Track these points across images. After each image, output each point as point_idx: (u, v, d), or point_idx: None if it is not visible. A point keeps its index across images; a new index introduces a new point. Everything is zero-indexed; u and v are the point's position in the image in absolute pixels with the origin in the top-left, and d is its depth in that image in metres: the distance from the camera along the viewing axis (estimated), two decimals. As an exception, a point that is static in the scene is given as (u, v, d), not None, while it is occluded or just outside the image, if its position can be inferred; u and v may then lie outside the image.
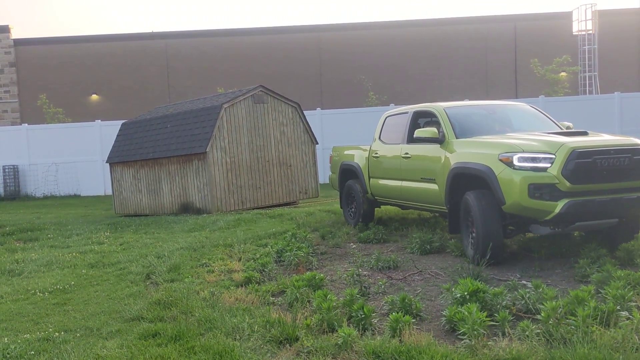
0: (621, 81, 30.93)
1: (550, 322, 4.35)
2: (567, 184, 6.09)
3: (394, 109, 9.80)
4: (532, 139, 6.69)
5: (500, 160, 6.47)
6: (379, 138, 9.57)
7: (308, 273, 6.43)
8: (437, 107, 8.32)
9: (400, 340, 4.49)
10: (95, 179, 21.82)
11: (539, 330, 4.34)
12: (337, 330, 4.74)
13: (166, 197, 13.98)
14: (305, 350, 4.46)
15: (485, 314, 4.54)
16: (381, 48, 31.31)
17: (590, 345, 4.01)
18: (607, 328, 4.25)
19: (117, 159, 15.34)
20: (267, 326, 4.95)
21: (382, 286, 6.07)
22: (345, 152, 10.62)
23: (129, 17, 77.26)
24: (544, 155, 6.25)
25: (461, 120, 7.90)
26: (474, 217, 6.66)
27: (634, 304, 4.78)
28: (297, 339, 4.69)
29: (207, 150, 12.64)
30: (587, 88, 30.50)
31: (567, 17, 31.99)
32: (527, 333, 4.29)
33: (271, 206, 13.63)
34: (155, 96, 30.62)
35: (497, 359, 3.97)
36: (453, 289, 5.31)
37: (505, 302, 4.97)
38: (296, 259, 7.32)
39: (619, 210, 6.37)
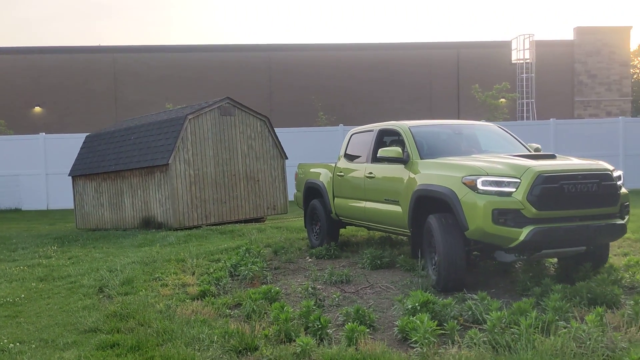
0: (557, 108, 32.46)
1: (495, 330, 4.65)
2: (533, 210, 5.87)
3: (360, 127, 9.46)
4: (497, 162, 6.45)
5: (464, 183, 6.23)
6: (344, 156, 9.25)
7: (264, 286, 6.58)
8: (402, 125, 8.06)
9: (356, 348, 4.70)
10: (38, 193, 21.23)
11: (485, 339, 4.62)
12: (295, 340, 4.91)
13: (128, 211, 13.57)
14: (265, 359, 4.61)
15: (435, 323, 4.81)
16: (331, 70, 31.90)
17: (532, 351, 4.32)
18: (547, 336, 4.57)
19: (80, 171, 14.90)
20: (226, 337, 5.07)
21: (336, 299, 6.26)
22: (311, 170, 10.24)
23: (77, 31, 75.82)
24: (508, 180, 6.02)
25: (427, 140, 7.69)
26: (437, 242, 6.43)
27: (571, 314, 5.16)
28: (256, 349, 4.84)
29: (169, 162, 12.20)
30: (525, 114, 31.86)
31: (506, 46, 33.44)
32: (474, 341, 4.57)
33: (237, 221, 13.24)
34: (101, 110, 30.18)
35: (448, 365, 4.22)
36: (405, 301, 5.59)
37: (453, 312, 5.27)
38: (251, 273, 7.44)
39: (586, 238, 6.14)
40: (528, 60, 32.65)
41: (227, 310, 6.09)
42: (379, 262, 7.94)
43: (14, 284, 7.90)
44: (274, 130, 14.00)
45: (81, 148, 15.54)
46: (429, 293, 5.64)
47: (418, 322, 4.81)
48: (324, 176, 9.62)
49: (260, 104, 31.47)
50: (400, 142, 7.95)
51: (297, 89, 31.53)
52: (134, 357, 4.74)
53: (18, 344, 5.25)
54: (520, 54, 32.75)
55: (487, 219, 5.95)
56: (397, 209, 7.46)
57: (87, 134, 16.59)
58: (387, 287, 6.83)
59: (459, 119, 32.13)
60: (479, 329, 4.87)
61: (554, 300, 5.24)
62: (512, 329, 4.69)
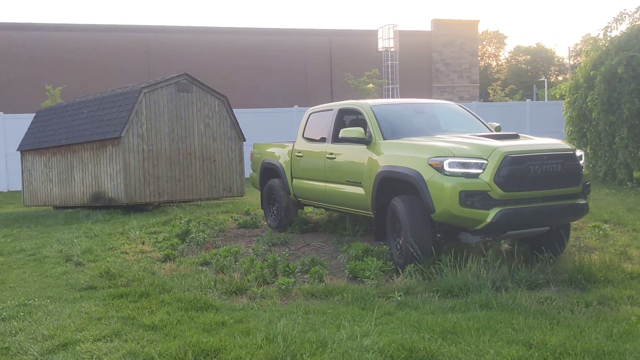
0: (418, 93, 35.64)
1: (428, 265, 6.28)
2: (500, 191, 5.87)
3: (319, 106, 9.28)
4: (463, 142, 6.41)
5: (430, 165, 6.16)
6: (303, 136, 9.06)
7: (223, 247, 7.82)
8: (364, 104, 7.90)
9: (324, 284, 6.16)
10: None
11: (400, 260, 6.27)
12: (274, 282, 6.27)
13: (78, 186, 13.21)
14: (257, 296, 5.92)
15: (381, 262, 6.40)
16: (209, 53, 32.46)
17: (454, 276, 5.99)
18: (465, 266, 6.28)
19: (29, 146, 14.37)
20: (216, 284, 6.29)
21: (286, 255, 7.66)
22: (268, 150, 10.05)
23: None
24: (475, 161, 5.99)
25: (389, 120, 7.57)
26: (402, 225, 6.41)
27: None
28: (245, 290, 6.12)
29: (122, 135, 11.83)
30: (391, 99, 34.71)
31: (374, 34, 35.99)
32: (411, 273, 6.19)
33: (191, 200, 13.08)
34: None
35: (396, 289, 5.79)
36: (348, 250, 7.13)
37: (387, 256, 6.89)
38: (202, 239, 8.60)
39: (551, 218, 6.25)
40: (392, 49, 35.43)
41: (199, 267, 7.26)
42: (305, 227, 9.40)
43: (-29, 260, 8.38)
44: (232, 111, 13.75)
45: (31, 123, 15.00)
46: (366, 243, 7.22)
47: (368, 262, 6.37)
48: (281, 156, 9.50)
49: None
50: (361, 122, 7.90)
51: (176, 72, 31.72)
52: (147, 302, 5.81)
53: (31, 300, 6.07)
54: (385, 43, 35.43)
55: (454, 201, 5.93)
56: (359, 190, 7.40)
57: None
58: (321, 245, 8.31)
59: (332, 102, 34.22)
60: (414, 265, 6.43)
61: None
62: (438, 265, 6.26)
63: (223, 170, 13.57)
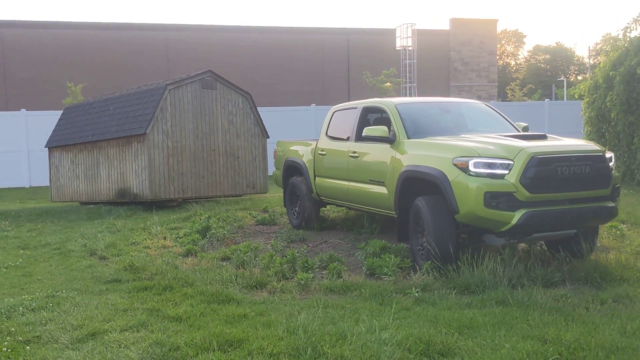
0: (435, 92, 35.60)
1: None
2: (526, 193, 5.77)
3: (343, 104, 9.24)
4: (489, 142, 6.30)
5: (455, 165, 6.06)
6: (326, 134, 8.99)
7: (243, 243, 7.99)
8: (388, 103, 7.81)
9: (342, 280, 6.29)
10: (17, 171, 20.86)
11: (422, 261, 6.38)
12: (293, 278, 6.41)
13: (104, 182, 13.34)
14: (277, 291, 6.07)
15: (398, 259, 6.52)
16: (227, 51, 32.74)
17: (472, 273, 6.09)
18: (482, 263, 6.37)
19: (56, 142, 14.62)
20: (237, 278, 6.44)
21: (304, 251, 7.80)
22: (291, 148, 9.99)
23: None
24: (501, 161, 5.88)
25: (414, 119, 7.45)
26: (425, 226, 6.31)
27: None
28: (265, 285, 6.27)
29: (147, 131, 11.90)
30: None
31: (391, 33, 36.02)
32: (428, 270, 6.30)
33: (214, 197, 13.11)
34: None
35: (414, 286, 5.90)
36: (366, 248, 7.26)
37: (404, 253, 7.00)
38: (222, 235, 8.78)
39: (578, 221, 6.10)
40: (410, 48, 35.44)
41: (220, 262, 7.43)
42: (322, 224, 9.53)
43: (-1, 252, 8.65)
44: (256, 108, 13.69)
45: (59, 120, 15.26)
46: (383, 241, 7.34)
47: (386, 259, 6.49)
48: (304, 154, 9.44)
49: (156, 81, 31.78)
50: (385, 121, 7.82)
51: (194, 70, 32.06)
52: (171, 294, 5.98)
53: (59, 292, 6.27)
54: (403, 42, 35.45)
55: (478, 202, 5.83)
56: (382, 190, 7.33)
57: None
58: (338, 243, 8.44)
59: (349, 101, 34.35)
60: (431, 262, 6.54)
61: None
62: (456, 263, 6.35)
63: (246, 166, 13.52)
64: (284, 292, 5.98)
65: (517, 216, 5.77)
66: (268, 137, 13.95)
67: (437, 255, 6.13)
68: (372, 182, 7.57)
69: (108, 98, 14.27)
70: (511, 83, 50.38)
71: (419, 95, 34.64)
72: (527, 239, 6.25)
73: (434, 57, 37.04)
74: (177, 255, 7.93)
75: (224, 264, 7.37)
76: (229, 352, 4.28)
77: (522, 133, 7.33)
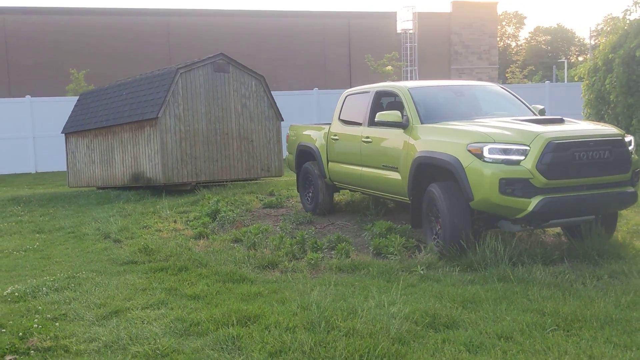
0: (436, 75, 35.74)
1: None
2: (542, 179, 5.68)
3: (355, 87, 9.11)
4: (504, 127, 6.19)
5: (469, 150, 5.98)
6: (339, 118, 8.89)
7: (253, 225, 8.26)
8: (401, 87, 7.66)
9: (351, 259, 6.56)
10: (24, 157, 21.12)
11: (437, 248, 6.64)
12: (303, 258, 6.68)
13: (118, 167, 13.40)
14: (289, 270, 6.34)
15: (404, 239, 6.79)
16: (228, 36, 32.83)
17: (476, 255, 6.35)
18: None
19: (72, 128, 14.85)
20: (249, 259, 6.71)
21: (312, 232, 8.07)
22: (304, 132, 9.91)
23: None
24: (517, 147, 5.79)
25: (427, 103, 7.34)
26: (440, 212, 6.25)
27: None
28: (276, 265, 6.54)
29: (159, 115, 11.90)
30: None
31: (392, 17, 36.11)
32: (432, 250, 6.57)
33: (229, 181, 13.10)
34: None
35: (420, 264, 6.17)
36: (372, 228, 7.52)
37: (409, 234, 7.27)
38: (232, 218, 9.05)
39: (597, 207, 6.05)
40: (411, 31, 35.56)
41: (231, 244, 7.70)
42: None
43: (16, 237, 8.93)
44: (269, 91, 13.53)
45: (75, 106, 15.40)
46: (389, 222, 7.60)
47: (392, 239, 6.76)
48: (317, 139, 9.38)
49: (158, 67, 31.92)
50: (398, 105, 7.70)
51: (197, 55, 32.20)
52: (186, 275, 6.24)
53: (78, 274, 6.54)
54: (404, 25, 35.56)
55: (494, 189, 5.76)
56: (395, 175, 7.25)
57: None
58: (345, 224, 8.70)
59: (350, 85, 34.48)
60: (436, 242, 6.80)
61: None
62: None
63: (261, 150, 13.43)
64: (295, 272, 6.25)
65: (533, 203, 5.70)
66: (282, 120, 13.84)
67: (452, 242, 6.12)
68: (385, 167, 7.51)
69: (122, 83, 14.36)
70: (511, 65, 50.42)
71: (421, 78, 34.75)
72: (543, 225, 6.19)
73: (435, 40, 37.12)
74: (189, 237, 8.20)
75: (235, 245, 7.63)
76: (247, 326, 4.55)
77: (538, 117, 7.12)
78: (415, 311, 4.61)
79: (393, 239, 6.77)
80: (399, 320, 4.43)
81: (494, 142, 5.87)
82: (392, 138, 7.36)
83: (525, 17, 74.24)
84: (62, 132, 15.49)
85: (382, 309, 4.69)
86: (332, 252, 6.97)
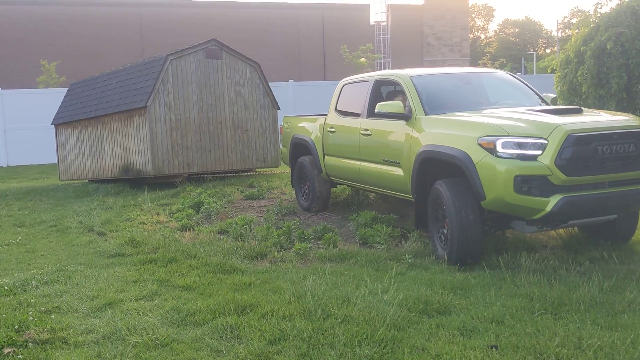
0: (409, 67, 36.01)
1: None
2: (562, 176, 5.11)
3: (353, 76, 8.57)
4: (519, 119, 5.62)
5: (480, 145, 5.40)
6: (335, 109, 8.36)
7: (238, 216, 8.30)
8: (403, 75, 7.12)
9: (338, 249, 6.67)
10: None
11: (422, 238, 6.80)
12: (290, 248, 6.76)
13: (108, 159, 12.97)
14: (278, 260, 6.42)
15: (390, 228, 6.91)
16: (201, 27, 32.56)
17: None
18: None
19: (62, 119, 14.38)
20: (237, 249, 6.77)
21: (298, 223, 8.15)
22: (298, 124, 9.36)
23: None
24: (533, 141, 5.22)
25: (432, 92, 6.79)
26: (447, 212, 5.70)
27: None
28: (265, 255, 6.61)
29: (148, 104, 11.41)
30: (383, 73, 35.11)
31: (366, 9, 36.24)
32: (418, 239, 6.71)
33: (223, 172, 12.69)
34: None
35: (407, 252, 6.31)
36: (357, 218, 7.63)
37: (394, 223, 7.40)
38: (216, 209, 9.07)
39: (621, 206, 5.50)
40: (384, 23, 35.74)
41: (217, 236, 7.74)
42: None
43: (-4, 231, 8.82)
44: (265, 78, 12.99)
45: (65, 96, 14.95)
46: (373, 212, 7.72)
47: (378, 229, 6.88)
48: (313, 131, 8.84)
49: (130, 60, 31.51)
50: (399, 94, 7.22)
51: (170, 47, 31.91)
52: (176, 266, 6.28)
53: (66, 266, 6.52)
54: (377, 17, 35.72)
55: (508, 187, 5.19)
56: (397, 171, 6.73)
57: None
58: (328, 215, 8.80)
59: (325, 78, 34.58)
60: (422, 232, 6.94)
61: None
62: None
63: (256, 140, 12.95)
64: (284, 262, 6.33)
65: (552, 202, 5.13)
66: (279, 109, 13.36)
67: (460, 246, 5.61)
68: (386, 162, 6.96)
69: (112, 72, 13.98)
70: (483, 57, 51.02)
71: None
72: (562, 225, 5.67)
73: (408, 32, 37.40)
74: (174, 229, 8.21)
75: (222, 237, 7.68)
76: (244, 315, 4.62)
77: (555, 107, 6.46)
78: (407, 298, 4.74)
79: (379, 229, 6.89)
80: (392, 307, 4.55)
81: (508, 136, 5.31)
82: (394, 130, 6.80)
83: (494, 10, 75.14)
84: (51, 124, 15.06)
85: (376, 297, 4.81)
86: (319, 242, 7.05)
